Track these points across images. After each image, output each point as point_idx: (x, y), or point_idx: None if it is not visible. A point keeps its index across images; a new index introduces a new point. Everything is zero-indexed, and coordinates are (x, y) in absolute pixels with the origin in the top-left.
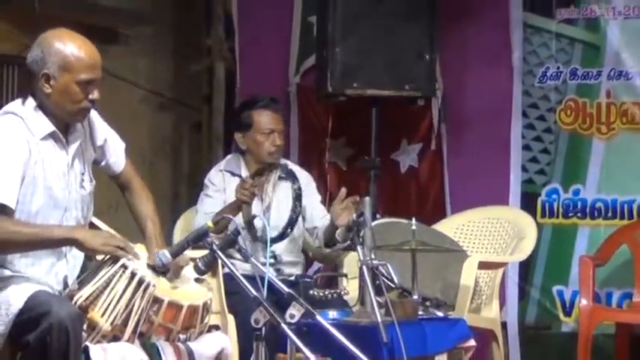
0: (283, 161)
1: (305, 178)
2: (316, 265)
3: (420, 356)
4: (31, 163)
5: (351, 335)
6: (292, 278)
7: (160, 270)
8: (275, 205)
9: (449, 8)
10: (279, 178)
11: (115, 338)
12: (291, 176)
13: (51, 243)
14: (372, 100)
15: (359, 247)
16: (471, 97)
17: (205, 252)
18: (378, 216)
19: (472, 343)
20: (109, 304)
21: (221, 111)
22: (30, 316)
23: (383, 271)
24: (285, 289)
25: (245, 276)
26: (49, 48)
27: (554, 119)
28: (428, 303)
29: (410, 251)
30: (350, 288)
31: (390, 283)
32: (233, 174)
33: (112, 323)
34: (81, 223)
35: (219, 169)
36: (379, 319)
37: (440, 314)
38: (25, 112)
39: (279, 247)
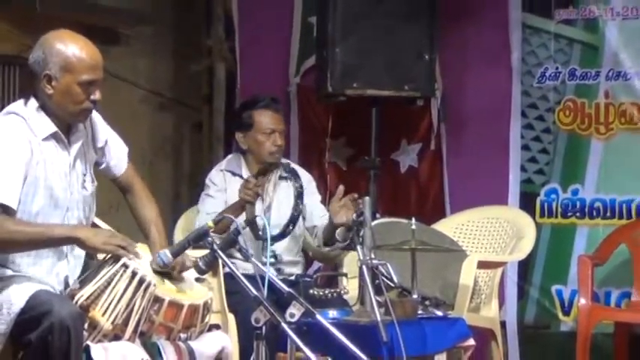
0: (285, 161)
1: (305, 178)
2: (316, 265)
3: (420, 355)
4: (32, 164)
5: (351, 334)
6: (292, 278)
7: (162, 270)
8: (276, 204)
9: (448, 9)
10: (280, 177)
11: (116, 337)
12: (294, 174)
13: (52, 242)
14: (371, 100)
15: (359, 247)
16: (471, 97)
17: (206, 251)
18: (377, 216)
19: (471, 342)
20: (110, 304)
21: (221, 111)
22: (31, 316)
23: (383, 270)
24: (286, 288)
25: (245, 275)
26: (51, 49)
27: (552, 119)
28: (427, 302)
29: (409, 251)
30: (350, 287)
31: (389, 282)
32: (234, 174)
33: (113, 322)
34: (83, 224)
35: (220, 168)
36: (379, 319)
37: (439, 313)
38: (27, 113)
39: (280, 247)
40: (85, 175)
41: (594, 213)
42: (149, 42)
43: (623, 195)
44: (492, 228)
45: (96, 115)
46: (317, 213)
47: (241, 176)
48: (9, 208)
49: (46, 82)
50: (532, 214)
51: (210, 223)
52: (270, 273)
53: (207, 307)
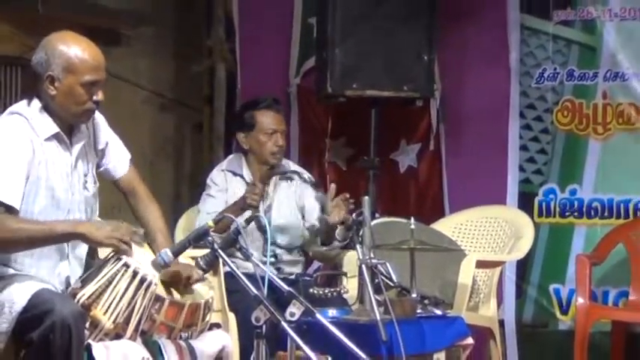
0: (285, 161)
1: (305, 178)
2: (316, 264)
3: (419, 354)
4: (35, 163)
5: (351, 333)
6: (292, 277)
7: (163, 268)
8: (276, 205)
9: (447, 10)
10: (280, 178)
11: (118, 336)
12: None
13: (55, 238)
14: (371, 101)
15: (358, 246)
16: (469, 97)
17: (207, 251)
18: (377, 215)
19: (470, 340)
20: (112, 303)
21: (222, 111)
22: (33, 314)
23: (382, 269)
24: (286, 287)
25: (246, 274)
26: (54, 50)
27: (551, 120)
28: (426, 301)
29: (408, 250)
30: (349, 286)
31: (389, 281)
32: (235, 174)
33: (114, 321)
34: None
35: (221, 168)
36: (378, 318)
37: (438, 312)
38: (30, 113)
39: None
40: (86, 175)
41: (592, 213)
42: (150, 43)
43: (620, 195)
44: (491, 228)
45: (99, 117)
46: (316, 212)
47: (242, 176)
48: (12, 208)
49: (49, 83)
50: (530, 213)
51: (211, 223)
52: (270, 272)
53: (207, 306)
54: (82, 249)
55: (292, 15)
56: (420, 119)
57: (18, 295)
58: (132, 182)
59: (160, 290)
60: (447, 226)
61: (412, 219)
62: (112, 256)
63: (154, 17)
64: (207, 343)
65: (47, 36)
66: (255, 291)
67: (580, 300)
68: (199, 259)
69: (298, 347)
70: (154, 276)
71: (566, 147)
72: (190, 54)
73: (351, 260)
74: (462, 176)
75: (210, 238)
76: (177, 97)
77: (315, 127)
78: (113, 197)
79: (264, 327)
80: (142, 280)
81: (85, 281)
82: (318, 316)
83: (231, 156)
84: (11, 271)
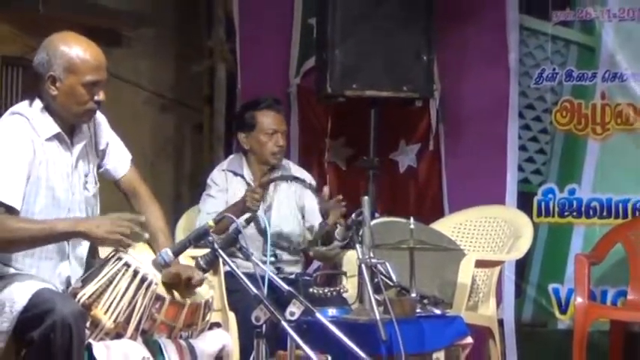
0: (285, 161)
1: (305, 178)
2: (316, 264)
3: (418, 353)
4: (35, 164)
5: (350, 332)
6: (292, 276)
7: (164, 268)
8: (276, 205)
9: (446, 11)
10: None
11: (118, 335)
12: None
13: (56, 237)
14: (370, 101)
15: (358, 246)
16: (469, 98)
17: (207, 250)
18: (376, 215)
19: (469, 340)
20: (112, 302)
21: (222, 112)
22: (34, 314)
23: (381, 269)
24: (285, 287)
25: (246, 274)
26: (55, 51)
27: (549, 120)
28: (426, 301)
29: (408, 250)
30: (349, 286)
31: (388, 281)
32: (235, 174)
33: (114, 321)
34: None
35: (221, 169)
36: (378, 317)
37: (437, 312)
38: (31, 113)
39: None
40: (87, 176)
41: (591, 212)
42: (150, 43)
43: (619, 195)
44: (490, 227)
45: (101, 118)
46: (316, 213)
47: (243, 176)
48: (12, 209)
49: (51, 84)
50: (529, 213)
51: (211, 223)
52: (270, 272)
53: (208, 306)
54: (83, 249)
55: (292, 15)
56: (420, 119)
57: (19, 295)
58: (133, 183)
59: (161, 290)
60: (447, 225)
61: (412, 219)
62: (113, 256)
63: (154, 18)
64: (207, 342)
65: (48, 36)
66: (255, 290)
67: (579, 299)
68: (199, 259)
69: (298, 346)
70: (154, 275)
71: (565, 147)
72: (191, 54)
73: (350, 260)
74: (462, 176)
75: (210, 238)
76: (178, 97)
77: (314, 127)
78: (114, 197)
79: (264, 326)
80: (143, 280)
81: (85, 281)
82: (318, 315)
83: (231, 156)
84: (12, 270)
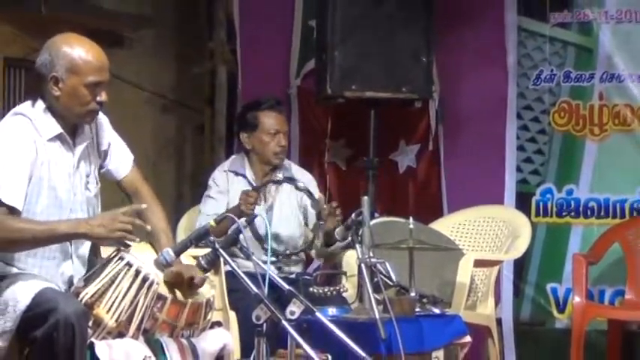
0: (287, 162)
1: (306, 179)
2: (316, 263)
3: (417, 352)
4: (37, 164)
5: (350, 332)
6: (293, 276)
7: (165, 267)
8: (277, 204)
9: (445, 12)
10: (280, 182)
11: (120, 334)
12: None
13: (58, 238)
14: (370, 102)
15: (357, 246)
16: (467, 98)
17: (208, 250)
18: (376, 215)
19: (468, 339)
20: (114, 302)
21: (223, 113)
22: (37, 313)
23: (381, 269)
24: (286, 286)
25: (246, 273)
26: (58, 51)
27: (548, 121)
28: (425, 300)
29: (407, 249)
30: (349, 285)
31: (387, 280)
32: (237, 174)
33: (117, 320)
34: None
35: (223, 169)
36: (377, 316)
37: (436, 311)
38: (33, 114)
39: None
40: (88, 176)
41: (589, 212)
42: (152, 45)
43: (616, 195)
44: (489, 227)
45: (103, 118)
46: (322, 208)
47: (244, 176)
48: (14, 209)
49: (53, 84)
50: (528, 213)
51: (212, 223)
52: (271, 271)
53: (209, 305)
54: (85, 248)
55: (293, 17)
56: (419, 120)
57: (22, 294)
58: (135, 183)
59: (162, 289)
60: (446, 225)
61: (411, 219)
62: (115, 256)
63: (155, 19)
64: (208, 341)
65: (51, 38)
66: (255, 290)
67: (577, 299)
68: (200, 259)
69: (298, 345)
70: (156, 275)
71: (563, 147)
72: (192, 56)
73: (350, 259)
74: (461, 176)
75: (211, 238)
76: (179, 98)
77: (315, 128)
78: (115, 197)
79: (264, 325)
80: (145, 279)
81: (88, 280)
82: (318, 314)
83: (233, 156)
84: (15, 270)
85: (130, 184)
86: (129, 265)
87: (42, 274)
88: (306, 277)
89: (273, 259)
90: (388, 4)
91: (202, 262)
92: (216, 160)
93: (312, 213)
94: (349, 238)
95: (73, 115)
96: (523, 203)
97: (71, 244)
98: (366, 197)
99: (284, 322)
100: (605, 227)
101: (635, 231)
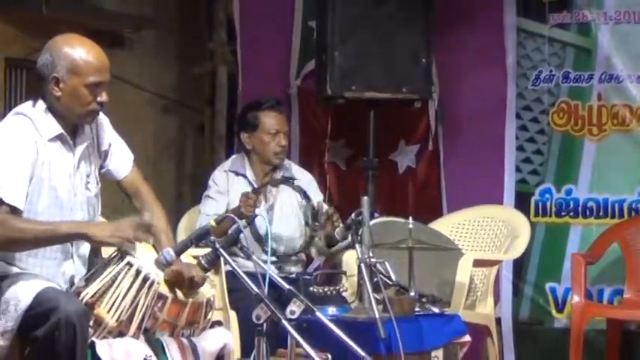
0: (287, 162)
1: (306, 179)
2: (316, 263)
3: (417, 351)
4: (38, 164)
5: (350, 331)
6: (293, 275)
7: (166, 267)
8: (278, 204)
9: (444, 13)
10: (282, 177)
11: (121, 334)
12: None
13: (59, 238)
14: (370, 103)
15: (357, 246)
16: (467, 99)
17: (208, 250)
18: (376, 215)
19: (467, 338)
20: (115, 301)
21: (223, 113)
22: (38, 312)
23: (381, 268)
24: (286, 286)
25: (247, 273)
26: (59, 52)
27: (547, 121)
28: (424, 299)
29: (407, 249)
30: (348, 285)
31: (387, 280)
32: (237, 174)
33: (117, 319)
34: None
35: (223, 169)
36: (377, 315)
37: (436, 310)
38: (34, 114)
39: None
40: (88, 176)
41: (587, 212)
42: (153, 46)
43: (615, 195)
44: (488, 227)
45: (103, 119)
46: (320, 213)
47: (245, 176)
48: (16, 209)
49: (54, 85)
50: (527, 213)
51: (213, 223)
52: (271, 271)
53: (209, 305)
54: (86, 248)
55: (293, 18)
56: (419, 120)
57: (23, 294)
58: (135, 183)
59: (163, 289)
60: (445, 225)
61: (410, 218)
62: (116, 255)
63: (156, 20)
64: (208, 340)
65: (52, 38)
66: (255, 289)
67: (575, 298)
68: (201, 258)
69: (298, 345)
70: (156, 275)
71: (561, 148)
72: (192, 56)
73: (350, 259)
74: (460, 176)
75: (212, 238)
76: (180, 98)
77: (315, 128)
78: (115, 197)
79: (264, 325)
80: (145, 279)
81: (88, 280)
82: (318, 314)
83: (234, 156)
84: (16, 269)
85: (130, 183)
86: (129, 264)
87: (43, 273)
88: (306, 276)
89: (274, 258)
90: (388, 4)
91: (203, 262)
92: (217, 160)
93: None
94: (349, 238)
95: (74, 116)
96: (522, 203)
97: (72, 244)
98: (365, 197)
99: (284, 322)
100: (603, 227)
101: (633, 231)
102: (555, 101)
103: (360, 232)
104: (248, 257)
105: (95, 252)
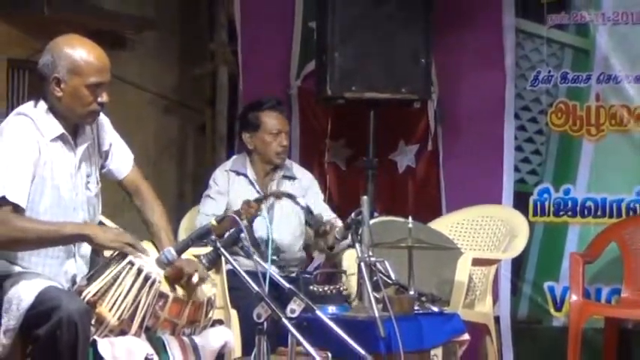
0: (288, 162)
1: (307, 179)
2: (316, 262)
3: (416, 350)
4: (40, 163)
5: (350, 329)
6: (293, 274)
7: (167, 266)
8: (278, 205)
9: (444, 14)
10: (283, 177)
11: (122, 332)
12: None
13: (62, 239)
14: (370, 103)
15: (357, 245)
16: (466, 99)
17: (209, 249)
18: (375, 214)
19: (466, 337)
20: (117, 300)
21: (224, 113)
22: (40, 311)
23: (380, 267)
24: (286, 284)
25: (247, 272)
26: (59, 53)
27: (545, 121)
28: (424, 298)
29: (407, 248)
30: (348, 284)
31: (387, 279)
32: (238, 173)
33: (119, 318)
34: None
35: (224, 169)
36: (377, 314)
37: (435, 309)
38: (36, 114)
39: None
40: (89, 176)
41: (585, 212)
42: (154, 46)
43: (613, 194)
44: (487, 226)
45: (104, 119)
46: (323, 213)
47: (246, 175)
48: (18, 207)
49: (55, 85)
50: (525, 213)
51: (214, 222)
52: (272, 270)
53: (210, 303)
54: (88, 247)
55: (293, 19)
56: (418, 120)
57: (25, 293)
58: (135, 182)
59: (164, 287)
60: (444, 224)
61: (410, 218)
62: (117, 254)
63: (157, 21)
64: (209, 339)
65: (54, 39)
66: (256, 288)
67: (574, 297)
68: (202, 257)
69: (298, 343)
70: (157, 274)
71: (560, 148)
72: (193, 57)
73: (350, 258)
74: (459, 176)
75: (213, 237)
76: (181, 99)
77: (315, 128)
78: (116, 197)
79: (265, 323)
80: (147, 278)
81: (90, 279)
82: (318, 312)
83: (235, 156)
84: (18, 269)
85: (130, 182)
86: (131, 263)
87: (45, 272)
88: (307, 275)
89: (274, 258)
90: (387, 5)
91: (204, 261)
92: (217, 160)
93: (315, 212)
94: (349, 238)
95: (75, 116)
96: (521, 203)
97: (74, 244)
98: (365, 197)
99: (284, 320)
100: (601, 226)
101: (631, 230)
102: (553, 101)
103: (359, 231)
104: (249, 256)
105: (97, 251)
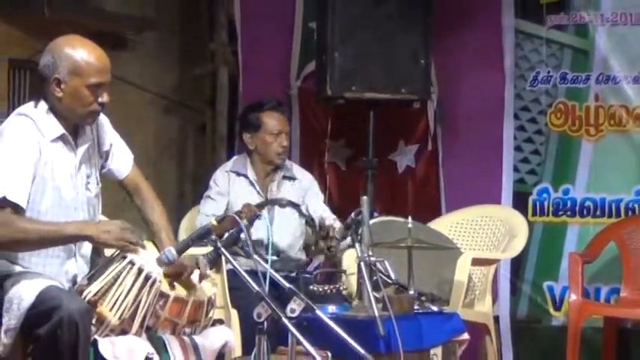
0: (288, 162)
1: (307, 180)
2: (316, 262)
3: (416, 349)
4: (41, 164)
5: (350, 329)
6: (293, 274)
7: (167, 266)
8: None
9: (443, 15)
10: (284, 177)
11: (123, 332)
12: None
13: (64, 239)
14: (369, 103)
15: (357, 245)
16: (465, 99)
17: (210, 249)
18: (375, 214)
19: (466, 336)
20: (117, 299)
21: (224, 114)
22: (41, 310)
23: (380, 267)
24: (286, 284)
25: (248, 272)
26: (60, 53)
27: (544, 121)
28: (423, 298)
29: (406, 248)
30: (348, 284)
31: (387, 279)
32: (238, 174)
33: (120, 317)
34: None
35: (225, 169)
36: (376, 314)
37: (435, 309)
38: (36, 115)
39: (282, 244)
40: (89, 177)
41: (585, 212)
42: (154, 47)
43: (612, 194)
44: (486, 226)
45: (104, 119)
46: (322, 213)
47: (246, 176)
48: (19, 207)
49: (56, 86)
50: (525, 213)
51: (214, 222)
52: (272, 270)
53: (211, 303)
54: (89, 247)
55: (293, 19)
56: (418, 121)
57: (26, 292)
58: (135, 181)
59: (165, 287)
60: (444, 224)
61: (410, 218)
62: (118, 254)
63: (158, 22)
64: (210, 338)
65: (54, 39)
66: (256, 288)
67: (573, 297)
68: (202, 257)
69: (298, 342)
70: (158, 273)
71: (559, 148)
72: (194, 57)
73: (350, 258)
74: (459, 176)
75: (213, 237)
76: (181, 99)
77: (315, 128)
78: (116, 197)
79: (265, 323)
80: (147, 278)
81: (91, 279)
82: (318, 312)
83: (236, 156)
84: (19, 268)
85: (131, 182)
86: (131, 263)
87: (46, 272)
88: (307, 275)
89: (275, 257)
90: (387, 5)
91: (204, 261)
92: (218, 160)
93: (312, 212)
94: (349, 238)
95: (75, 116)
96: (520, 203)
97: (75, 244)
98: (365, 197)
99: (284, 320)
100: (600, 226)
101: (630, 230)
102: (553, 102)
103: (359, 231)
104: (249, 256)
105: (97, 251)
